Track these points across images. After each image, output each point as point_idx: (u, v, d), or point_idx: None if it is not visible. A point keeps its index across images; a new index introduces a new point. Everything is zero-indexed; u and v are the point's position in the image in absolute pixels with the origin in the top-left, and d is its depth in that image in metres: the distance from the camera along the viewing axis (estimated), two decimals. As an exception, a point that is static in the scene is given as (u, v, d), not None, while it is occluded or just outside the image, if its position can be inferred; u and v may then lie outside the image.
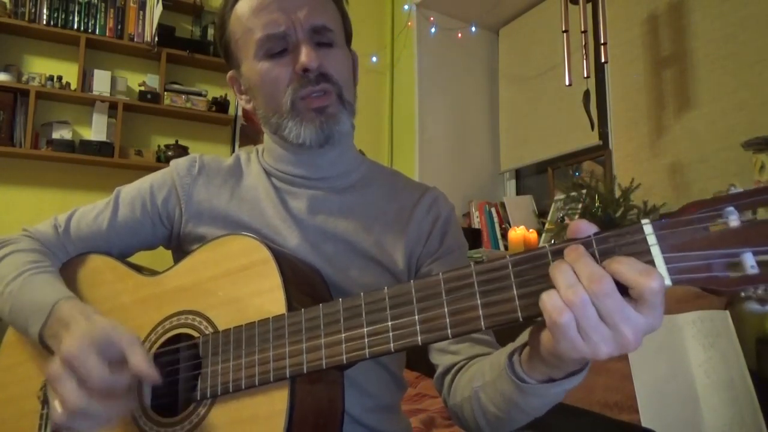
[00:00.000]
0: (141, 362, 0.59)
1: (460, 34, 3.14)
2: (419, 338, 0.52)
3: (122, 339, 0.61)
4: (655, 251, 0.44)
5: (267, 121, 0.82)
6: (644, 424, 1.41)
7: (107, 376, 0.58)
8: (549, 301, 0.45)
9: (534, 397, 0.56)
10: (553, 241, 2.21)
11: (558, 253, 0.47)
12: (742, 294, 0.43)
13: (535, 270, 0.48)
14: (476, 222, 2.90)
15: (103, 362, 0.58)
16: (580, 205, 2.04)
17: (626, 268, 0.43)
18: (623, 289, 0.44)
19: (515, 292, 0.49)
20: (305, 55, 0.74)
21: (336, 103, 0.78)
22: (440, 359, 0.77)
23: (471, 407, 0.67)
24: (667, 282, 0.43)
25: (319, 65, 0.75)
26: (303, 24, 0.75)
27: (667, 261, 0.44)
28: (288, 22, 0.75)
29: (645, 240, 0.45)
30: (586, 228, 0.47)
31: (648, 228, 0.45)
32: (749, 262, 0.42)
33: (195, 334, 0.67)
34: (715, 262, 0.43)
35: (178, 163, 0.87)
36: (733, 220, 0.43)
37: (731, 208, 0.43)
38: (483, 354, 0.73)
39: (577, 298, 0.43)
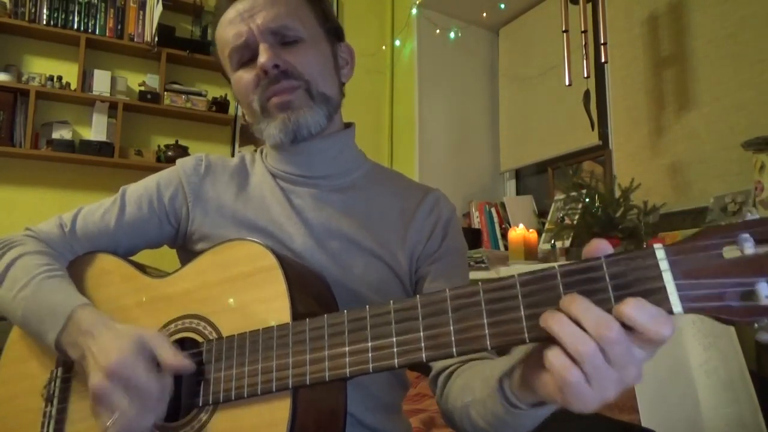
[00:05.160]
0: (173, 359, 0.62)
1: (460, 34, 3.14)
2: (424, 355, 0.51)
3: (151, 340, 0.63)
4: (667, 277, 0.42)
5: (254, 128, 0.84)
6: (644, 424, 1.41)
7: (157, 381, 0.60)
8: (555, 358, 0.43)
9: (525, 419, 0.57)
10: (553, 242, 2.21)
11: (567, 275, 0.46)
12: (756, 325, 0.40)
13: (544, 291, 0.47)
14: (476, 222, 2.90)
15: (151, 369, 0.61)
16: (580, 205, 2.03)
17: (640, 314, 0.41)
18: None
19: (523, 312, 0.47)
20: (262, 56, 0.76)
21: (303, 97, 0.78)
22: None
23: (461, 418, 0.67)
24: (678, 310, 0.42)
25: (278, 63, 0.77)
26: (261, 29, 0.77)
27: (678, 288, 0.42)
28: (248, 31, 0.78)
29: (657, 265, 0.43)
30: (605, 248, 0.46)
31: (660, 253, 0.43)
32: (764, 292, 0.40)
33: (199, 339, 0.67)
34: (728, 291, 0.41)
35: (184, 162, 0.88)
36: (748, 248, 0.41)
37: (746, 235, 0.41)
38: (476, 358, 0.73)
39: (587, 347, 0.42)
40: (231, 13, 0.80)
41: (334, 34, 0.87)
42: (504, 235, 2.78)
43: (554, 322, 0.44)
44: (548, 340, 0.46)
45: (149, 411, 0.60)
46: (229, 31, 0.79)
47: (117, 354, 0.61)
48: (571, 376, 0.42)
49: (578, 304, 0.43)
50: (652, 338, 0.41)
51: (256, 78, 0.78)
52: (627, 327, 0.42)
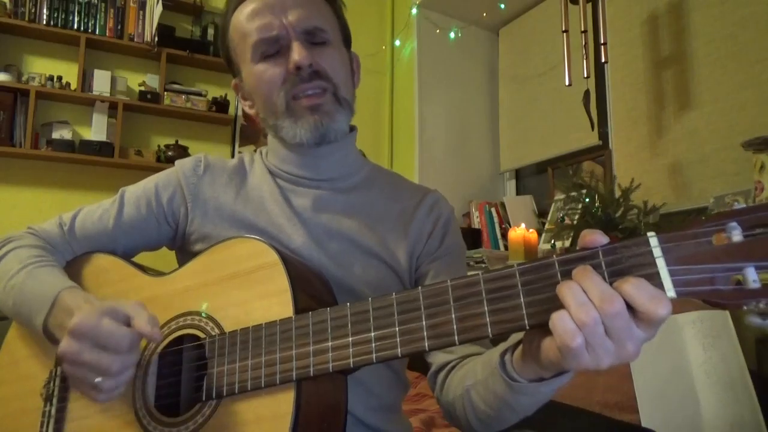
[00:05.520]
0: (144, 323, 0.60)
1: (460, 34, 3.14)
2: (426, 344, 0.53)
3: (126, 305, 0.63)
4: (660, 263, 0.45)
5: (267, 124, 0.83)
6: (644, 424, 1.41)
7: (128, 332, 0.59)
8: (560, 323, 0.45)
9: (524, 395, 0.57)
10: (553, 242, 2.21)
11: (565, 264, 0.48)
12: (744, 307, 0.43)
13: (542, 279, 0.49)
14: (476, 222, 2.90)
15: (117, 322, 0.60)
16: (580, 205, 2.04)
17: (637, 291, 0.44)
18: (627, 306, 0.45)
19: (522, 300, 0.49)
20: (297, 53, 0.76)
21: (332, 101, 0.79)
22: (434, 357, 0.78)
23: (462, 405, 0.68)
24: (672, 294, 0.44)
25: (312, 62, 0.76)
26: (295, 26, 0.77)
27: (671, 273, 0.45)
28: (280, 26, 0.77)
29: (651, 252, 0.45)
30: (600, 239, 0.48)
31: (654, 240, 0.46)
32: (751, 276, 0.43)
33: (201, 335, 0.67)
34: (718, 276, 0.44)
35: (183, 163, 0.88)
36: (736, 235, 0.44)
37: (734, 223, 0.44)
38: (476, 353, 0.74)
39: (589, 318, 0.44)
40: (255, 3, 0.78)
41: (348, 41, 0.88)
42: (504, 235, 2.78)
43: (565, 288, 0.46)
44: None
45: (126, 361, 0.59)
46: (255, 21, 0.78)
47: (81, 315, 0.60)
48: (573, 341, 0.45)
49: (588, 277, 0.46)
50: (649, 316, 0.44)
51: (284, 73, 0.77)
52: (629, 306, 0.44)
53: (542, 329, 0.49)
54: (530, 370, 0.55)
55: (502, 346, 0.61)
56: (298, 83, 0.77)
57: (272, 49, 0.78)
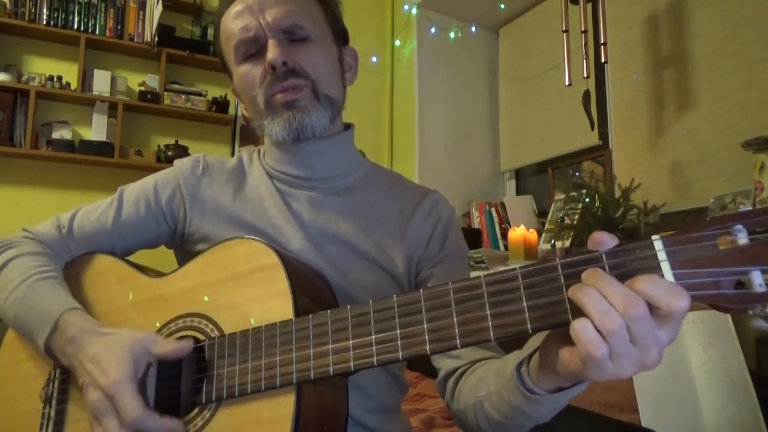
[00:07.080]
0: (171, 348, 0.64)
1: (460, 34, 3.14)
2: (428, 347, 0.52)
3: (144, 343, 0.64)
4: (665, 267, 0.44)
5: (255, 125, 0.83)
6: (644, 424, 1.41)
7: (145, 416, 0.60)
8: (584, 333, 0.43)
9: (543, 406, 0.57)
10: (553, 242, 2.21)
11: (568, 267, 0.47)
12: (750, 312, 0.43)
13: (545, 283, 0.48)
14: (476, 222, 2.90)
15: (141, 401, 0.61)
16: (580, 205, 2.03)
17: (654, 287, 0.42)
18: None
19: (525, 304, 0.48)
20: (270, 52, 0.75)
21: (309, 97, 0.78)
22: (442, 363, 0.77)
23: (475, 414, 0.67)
24: None
25: (287, 60, 0.76)
26: (272, 25, 0.76)
27: (676, 277, 0.44)
28: (258, 26, 0.77)
29: (655, 256, 0.45)
30: (608, 240, 0.47)
31: (658, 244, 0.45)
32: (757, 280, 0.42)
33: (201, 337, 0.67)
34: (723, 280, 0.43)
35: (182, 163, 0.87)
36: (742, 238, 0.43)
37: (740, 226, 0.43)
38: (486, 358, 0.73)
39: (615, 325, 0.42)
40: (239, 5, 0.78)
41: (341, 36, 0.87)
42: (504, 235, 2.78)
43: (584, 296, 0.44)
44: (556, 326, 0.46)
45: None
46: (237, 23, 0.78)
47: (115, 375, 0.61)
48: (598, 351, 0.43)
49: (606, 281, 0.44)
50: (671, 311, 0.42)
51: (263, 73, 0.77)
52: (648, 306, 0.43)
53: (560, 340, 0.48)
54: (549, 382, 0.54)
55: (515, 355, 0.60)
56: (274, 82, 0.76)
57: (252, 49, 0.78)
